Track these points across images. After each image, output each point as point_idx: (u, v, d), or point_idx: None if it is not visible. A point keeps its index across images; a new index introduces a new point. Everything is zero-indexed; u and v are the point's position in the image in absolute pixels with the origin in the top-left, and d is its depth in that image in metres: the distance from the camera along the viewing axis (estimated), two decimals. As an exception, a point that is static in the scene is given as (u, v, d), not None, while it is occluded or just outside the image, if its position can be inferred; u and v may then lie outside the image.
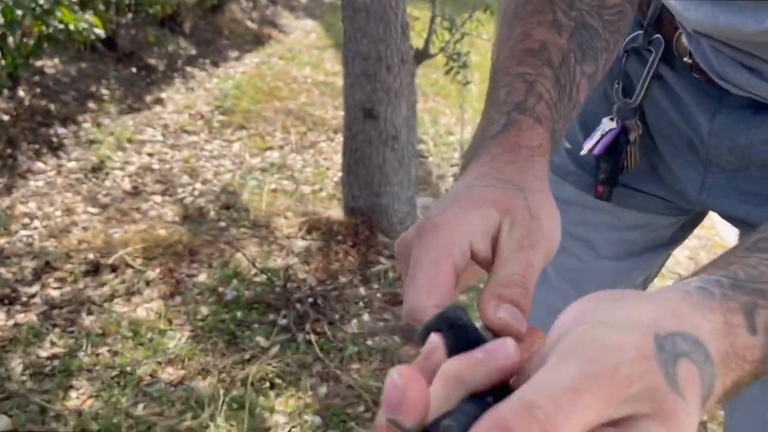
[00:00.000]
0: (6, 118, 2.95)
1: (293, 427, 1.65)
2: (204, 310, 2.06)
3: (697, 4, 0.60)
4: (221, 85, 4.18)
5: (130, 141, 3.26)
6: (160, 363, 1.83)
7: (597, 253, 0.85)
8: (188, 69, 4.38)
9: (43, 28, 2.90)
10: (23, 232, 2.41)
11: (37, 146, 2.98)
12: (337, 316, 2.07)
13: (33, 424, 1.60)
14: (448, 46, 2.82)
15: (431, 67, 4.27)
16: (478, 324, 0.37)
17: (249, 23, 5.74)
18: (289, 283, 2.19)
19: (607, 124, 0.77)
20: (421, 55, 2.62)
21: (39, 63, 3.45)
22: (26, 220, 2.50)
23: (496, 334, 0.39)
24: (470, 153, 0.51)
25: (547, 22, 0.55)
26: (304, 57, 5.00)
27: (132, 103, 3.69)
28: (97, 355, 1.85)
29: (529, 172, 0.46)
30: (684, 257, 2.72)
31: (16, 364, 1.77)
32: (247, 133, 3.54)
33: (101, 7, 3.75)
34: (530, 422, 0.27)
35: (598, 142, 0.76)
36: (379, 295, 2.23)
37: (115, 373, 1.78)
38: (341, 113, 2.64)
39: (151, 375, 1.79)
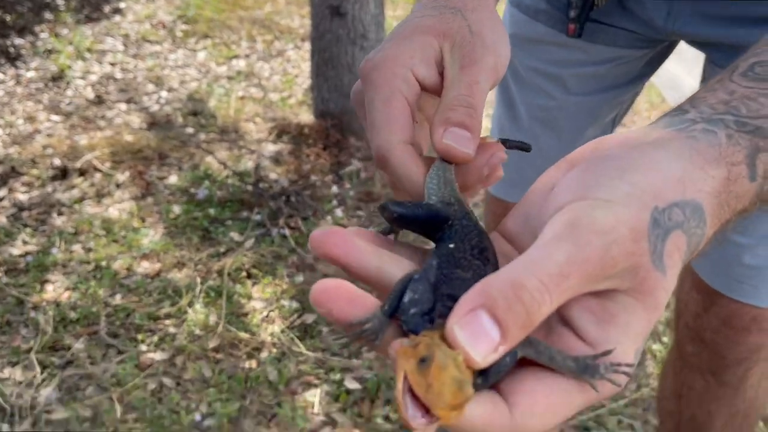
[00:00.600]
0: (-44, 25, 2.82)
1: (271, 311, 1.69)
2: (176, 209, 2.06)
3: None
4: (183, -6, 4.01)
5: (90, 51, 3.15)
6: (135, 258, 1.84)
7: (568, 90, 0.87)
8: (147, -21, 4.19)
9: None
10: (-15, 140, 2.35)
11: (-8, 55, 2.86)
12: (310, 213, 2.09)
13: (12, 315, 1.61)
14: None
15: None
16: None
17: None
18: (261, 182, 2.19)
19: None
20: (389, -50, 2.54)
21: (-13, -31, 3.27)
22: (-13, 128, 2.44)
23: (446, 160, 0.40)
24: None
25: None
26: (268, -33, 4.80)
27: (89, 13, 3.54)
28: (71, 251, 1.85)
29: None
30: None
31: (-11, 262, 1.77)
32: (212, 42, 3.44)
33: None
34: (515, 302, 0.28)
35: (567, -24, 0.77)
36: (352, 193, 2.24)
37: (90, 267, 1.79)
38: (309, 21, 2.57)
39: (127, 269, 1.80)
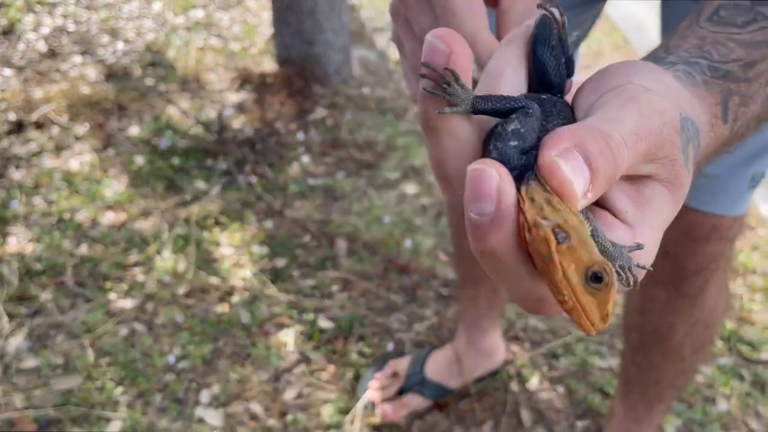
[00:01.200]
0: None
1: (241, 256, 1.68)
2: (139, 159, 2.02)
3: None
4: (134, -56, 3.85)
5: (40, 3, 3.02)
6: (99, 209, 1.80)
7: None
8: (95, -71, 4.01)
9: None
10: (-67, 95, 2.26)
11: (-66, 8, 2.73)
12: (276, 160, 2.07)
13: (-27, 269, 1.58)
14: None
15: None
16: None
17: None
18: (224, 131, 2.16)
19: None
20: None
21: None
22: (-65, 84, 2.34)
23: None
24: None
25: None
26: None
27: (36, -37, 3.38)
28: (32, 205, 1.81)
29: None
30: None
31: (-54, 217, 1.72)
32: (168, -7, 3.33)
33: None
34: (605, 148, 0.29)
35: None
36: (318, 140, 2.22)
37: (53, 220, 1.76)
38: (267, -38, 2.50)
39: (91, 220, 1.77)
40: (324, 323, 1.50)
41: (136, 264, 1.63)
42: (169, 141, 2.10)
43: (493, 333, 1.35)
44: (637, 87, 0.33)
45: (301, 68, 2.54)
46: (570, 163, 0.28)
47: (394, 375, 1.36)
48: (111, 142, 2.11)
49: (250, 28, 3.07)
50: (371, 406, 1.31)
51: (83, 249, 1.66)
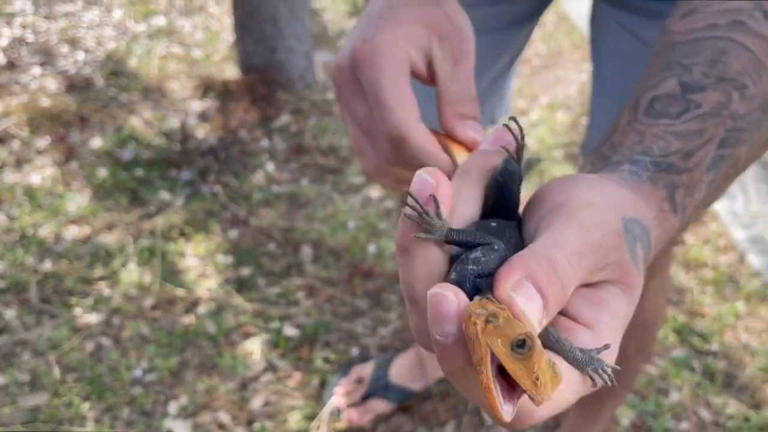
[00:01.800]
0: None
1: (206, 266, 1.70)
2: (102, 172, 2.02)
3: None
4: (93, -50, 3.82)
5: (-4, 13, 2.99)
6: (62, 223, 1.80)
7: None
8: (53, -65, 3.96)
9: None
10: None
11: None
12: (240, 168, 2.09)
13: (-65, 289, 1.57)
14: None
15: None
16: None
17: None
18: (188, 141, 2.17)
19: None
20: None
21: None
22: None
23: (467, 146, 0.46)
24: None
25: None
26: None
27: (-8, -28, 3.33)
28: (-6, 221, 1.80)
29: None
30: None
31: None
32: (128, 0, 3.31)
33: None
34: (553, 276, 0.30)
35: None
36: (282, 146, 2.24)
37: (15, 236, 1.75)
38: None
39: (55, 235, 1.77)
40: (290, 331, 1.53)
41: (101, 278, 1.64)
42: (132, 152, 2.10)
43: (453, 335, 1.39)
44: (577, 203, 0.34)
45: (264, 75, 2.56)
46: (523, 296, 0.30)
47: (359, 380, 1.39)
48: (73, 155, 2.10)
49: (213, 35, 3.07)
50: (337, 412, 1.34)
51: (47, 265, 1.66)
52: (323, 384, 1.41)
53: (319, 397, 1.38)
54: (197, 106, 2.44)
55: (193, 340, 1.49)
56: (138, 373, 1.40)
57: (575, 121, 2.45)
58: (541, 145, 2.29)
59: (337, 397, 1.36)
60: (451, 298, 0.29)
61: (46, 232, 1.77)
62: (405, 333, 1.55)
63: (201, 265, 1.70)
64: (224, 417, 1.33)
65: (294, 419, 1.34)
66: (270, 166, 2.13)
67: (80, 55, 2.76)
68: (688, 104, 0.43)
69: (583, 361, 0.32)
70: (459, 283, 0.31)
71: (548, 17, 3.35)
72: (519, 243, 0.36)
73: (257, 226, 1.85)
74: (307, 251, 1.77)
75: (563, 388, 0.31)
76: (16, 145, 2.12)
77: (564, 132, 2.38)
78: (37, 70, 2.62)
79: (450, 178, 0.36)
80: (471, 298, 0.31)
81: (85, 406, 1.32)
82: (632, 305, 0.36)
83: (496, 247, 0.33)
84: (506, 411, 0.27)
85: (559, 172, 2.12)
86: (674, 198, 0.41)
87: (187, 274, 1.67)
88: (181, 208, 1.89)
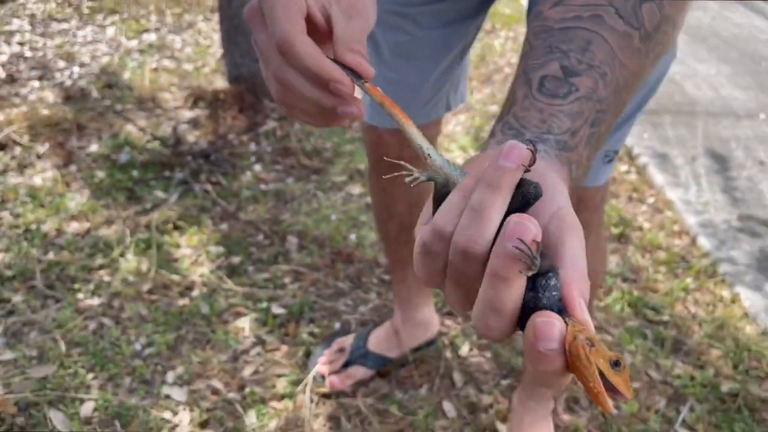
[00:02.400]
0: None
1: (199, 256, 1.83)
2: (100, 173, 2.15)
3: None
4: (86, -28, 3.99)
5: (-5, 31, 3.14)
6: (63, 219, 1.93)
7: (421, 25, 1.06)
8: (47, -42, 4.13)
9: None
10: None
11: None
12: (230, 169, 2.23)
13: (-53, 278, 1.70)
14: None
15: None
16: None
17: None
18: (180, 145, 2.31)
19: None
20: None
21: None
22: None
23: (358, 73, 0.50)
24: None
25: None
26: (172, -58, 4.79)
27: (-10, -7, 3.49)
28: (0, 218, 1.93)
29: None
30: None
31: None
32: (120, 18, 3.47)
33: None
34: (588, 289, 0.40)
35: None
36: (269, 149, 2.39)
37: (20, 231, 1.88)
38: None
39: (56, 230, 1.90)
40: (277, 310, 1.66)
41: (101, 267, 1.77)
42: (128, 156, 2.24)
43: (424, 307, 1.53)
44: (568, 215, 0.43)
45: (251, 85, 2.71)
46: (584, 310, 0.39)
47: (341, 350, 1.52)
48: (72, 159, 2.24)
49: (202, 49, 3.23)
50: (321, 378, 1.47)
51: (51, 256, 1.79)
52: (308, 355, 1.54)
53: (304, 366, 1.51)
54: (189, 114, 2.59)
55: (188, 319, 1.62)
56: (137, 347, 1.52)
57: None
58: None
59: (321, 365, 1.49)
60: (558, 325, 0.38)
61: (48, 227, 1.90)
62: (384, 310, 1.68)
63: (194, 254, 1.84)
64: (217, 384, 1.46)
65: (281, 385, 1.46)
66: (257, 167, 2.27)
67: (76, 69, 2.91)
68: (570, 87, 0.51)
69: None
70: (549, 307, 0.39)
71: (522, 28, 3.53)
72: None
73: (246, 219, 1.99)
74: (292, 241, 1.91)
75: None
76: (17, 150, 2.26)
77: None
78: (35, 83, 2.77)
79: (350, 89, 0.47)
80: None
81: (90, 376, 1.45)
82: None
83: (559, 271, 0.40)
84: (611, 404, 0.38)
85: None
86: (572, 175, 0.50)
87: (182, 262, 1.80)
88: (175, 204, 2.02)
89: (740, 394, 1.49)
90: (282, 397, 1.44)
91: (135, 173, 2.16)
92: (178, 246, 1.87)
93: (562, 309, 0.39)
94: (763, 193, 2.23)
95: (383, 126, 1.19)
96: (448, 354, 1.57)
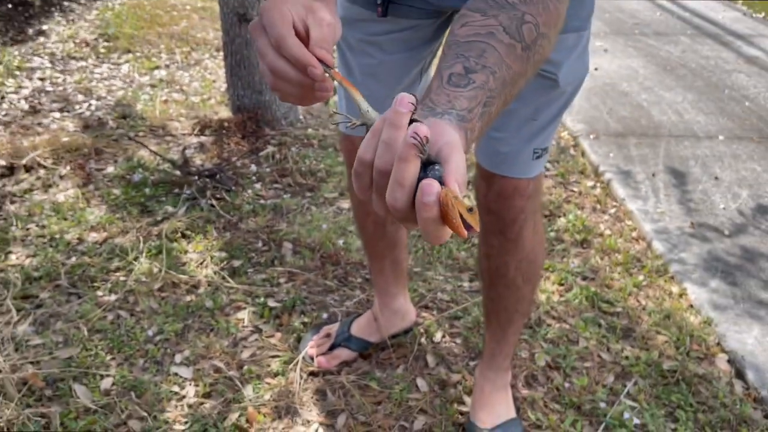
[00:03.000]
0: None
1: (204, 260, 2.06)
2: (116, 191, 2.40)
3: None
4: (102, 15, 4.31)
5: (19, 69, 3.43)
6: (84, 230, 2.17)
7: (384, 51, 1.30)
8: (65, 3, 4.47)
9: None
10: (-67, 148, 2.61)
11: (-73, 76, 3.10)
12: (233, 186, 2.47)
13: (-18, 279, 1.92)
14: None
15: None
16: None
17: (121, -41, 5.76)
18: (188, 166, 2.56)
19: None
20: (285, -35, 2.96)
21: None
22: (-67, 139, 2.69)
23: (323, 62, 0.72)
24: None
25: None
26: (181, -13, 5.15)
27: (14, 35, 3.80)
28: (27, 229, 2.16)
29: None
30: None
31: (-45, 241, 2.06)
32: (134, 56, 3.77)
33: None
34: (463, 179, 0.57)
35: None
36: (268, 170, 2.64)
37: (46, 240, 2.11)
38: (222, 33, 2.94)
39: (78, 238, 2.13)
40: (273, 304, 1.88)
41: (118, 269, 1.99)
42: (141, 176, 2.49)
43: (401, 297, 1.74)
44: (455, 141, 0.60)
45: (253, 114, 2.97)
46: (456, 186, 0.55)
47: (327, 335, 1.73)
48: (91, 180, 2.48)
49: (208, 84, 3.51)
50: (310, 359, 1.68)
51: (73, 260, 2.02)
52: (299, 340, 1.75)
53: (295, 349, 1.73)
54: (196, 140, 2.84)
55: (194, 311, 1.84)
56: (150, 333, 1.74)
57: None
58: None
59: (310, 348, 1.70)
60: (436, 185, 0.54)
61: (70, 236, 2.13)
62: (368, 304, 1.90)
63: (200, 258, 2.07)
64: (219, 363, 1.67)
65: (275, 365, 1.67)
66: (257, 185, 2.51)
67: (93, 102, 3.19)
68: (469, 80, 0.73)
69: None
70: (434, 179, 0.53)
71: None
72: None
73: (246, 229, 2.22)
74: (287, 246, 2.13)
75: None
76: (42, 172, 2.51)
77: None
78: (56, 114, 3.04)
79: (320, 74, 0.71)
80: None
81: (108, 357, 1.66)
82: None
83: (443, 167, 0.55)
84: (466, 233, 0.54)
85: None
86: (467, 136, 0.69)
87: (189, 265, 2.03)
88: (183, 216, 2.26)
89: (679, 370, 1.69)
90: (276, 375, 1.65)
91: (147, 191, 2.40)
92: (185, 252, 2.10)
93: (441, 184, 0.53)
94: (716, 204, 2.45)
95: (357, 134, 1.43)
96: (422, 340, 1.78)
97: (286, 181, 2.58)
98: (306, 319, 1.83)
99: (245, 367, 1.66)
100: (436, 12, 1.25)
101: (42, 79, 3.39)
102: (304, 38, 0.72)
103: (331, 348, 1.71)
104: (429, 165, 0.54)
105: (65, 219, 2.23)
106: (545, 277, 2.05)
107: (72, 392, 1.55)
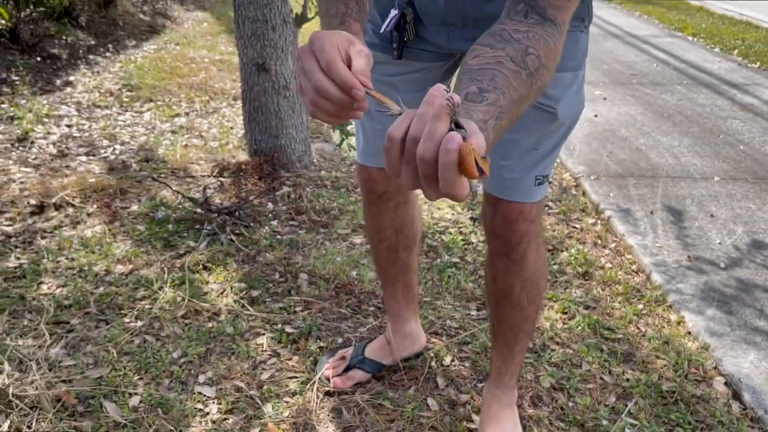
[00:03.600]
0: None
1: (224, 290, 2.18)
2: (141, 227, 2.53)
3: None
4: (125, 67, 4.55)
5: (48, 116, 3.62)
6: (111, 262, 2.30)
7: (399, 91, 1.45)
8: (90, 57, 4.72)
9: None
10: (-32, 188, 2.77)
11: (-38, 123, 3.29)
12: (251, 223, 2.60)
13: (17, 306, 2.04)
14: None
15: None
16: None
17: (142, 16, 6.07)
18: (209, 204, 2.70)
19: (393, 12, 1.36)
20: (301, 20, 3.17)
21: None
22: (-32, 180, 2.85)
23: (364, 86, 0.88)
24: (325, 26, 1.03)
25: None
26: (200, 42, 5.42)
27: (43, 86, 4.02)
28: (58, 261, 2.29)
29: (354, 34, 0.99)
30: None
31: (-9, 272, 2.19)
32: (155, 105, 3.97)
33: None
34: (481, 141, 0.68)
35: (389, 23, 1.36)
36: (284, 208, 2.77)
37: (75, 271, 2.24)
38: (239, 84, 3.13)
39: (105, 270, 2.25)
40: (290, 330, 1.98)
41: (143, 298, 2.11)
42: (164, 213, 2.63)
43: (412, 322, 1.85)
44: (474, 125, 0.70)
45: (269, 157, 3.13)
46: (475, 142, 0.66)
47: (342, 358, 1.83)
48: (116, 217, 2.62)
49: (226, 130, 3.69)
50: (326, 380, 1.78)
51: (101, 289, 2.14)
52: (315, 362, 1.85)
53: (312, 371, 1.82)
54: (215, 181, 3.00)
55: (216, 336, 1.94)
56: (174, 356, 1.84)
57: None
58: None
59: (326, 369, 1.79)
60: (458, 137, 0.63)
61: (98, 268, 2.26)
62: (380, 330, 2.00)
63: (220, 288, 2.18)
64: (240, 383, 1.76)
65: (293, 385, 1.77)
66: (274, 223, 2.65)
67: (118, 147, 3.36)
68: (483, 98, 0.86)
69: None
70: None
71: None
72: None
73: (264, 262, 2.34)
74: (303, 277, 2.25)
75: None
76: (70, 210, 2.65)
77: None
78: (83, 158, 3.21)
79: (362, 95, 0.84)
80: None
81: (136, 377, 1.76)
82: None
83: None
84: (478, 175, 0.58)
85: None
86: (489, 134, 0.82)
87: (210, 295, 2.14)
88: (205, 250, 2.38)
89: (678, 391, 1.77)
90: (294, 394, 1.74)
91: (170, 227, 2.54)
92: (207, 282, 2.21)
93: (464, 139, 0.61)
94: (712, 239, 2.56)
95: (373, 165, 1.56)
96: (433, 363, 1.88)
97: (301, 219, 2.71)
98: (322, 344, 1.93)
99: (265, 387, 1.75)
100: (446, 55, 1.39)
101: (69, 126, 3.58)
102: (347, 65, 0.85)
103: (346, 369, 1.80)
104: (456, 129, 0.62)
105: (93, 252, 2.36)
106: (549, 306, 2.15)
107: (103, 408, 1.64)
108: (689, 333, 2.03)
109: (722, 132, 3.79)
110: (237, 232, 2.53)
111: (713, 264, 2.40)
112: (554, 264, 2.40)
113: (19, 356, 1.80)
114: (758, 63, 5.52)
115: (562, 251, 2.50)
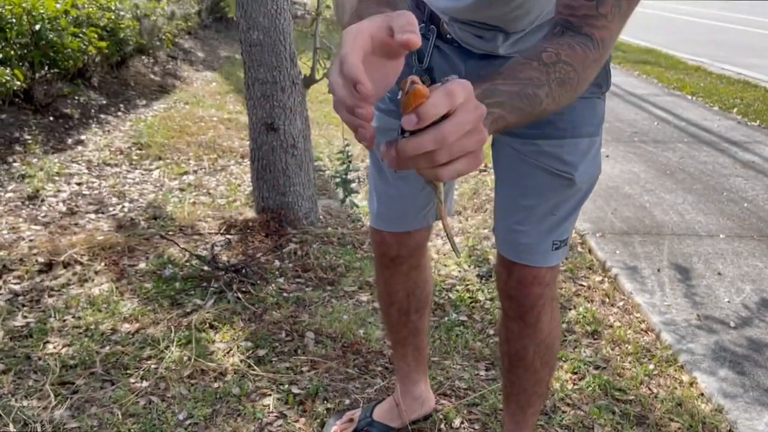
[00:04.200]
0: (-56, 158, 3.29)
1: (231, 349, 2.16)
2: (147, 285, 2.54)
3: None
4: (135, 126, 4.64)
5: (58, 174, 3.67)
6: (117, 321, 2.29)
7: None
8: (102, 116, 4.82)
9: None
10: (-22, 245, 2.79)
11: (-25, 181, 3.33)
12: (258, 281, 2.61)
13: (22, 366, 2.02)
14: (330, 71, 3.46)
15: (319, 97, 4.91)
16: None
17: (152, 76, 6.23)
18: (216, 262, 2.71)
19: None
20: (309, 81, 3.25)
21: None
22: (-22, 237, 2.87)
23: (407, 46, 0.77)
24: (355, 14, 0.92)
25: None
26: (208, 101, 5.54)
27: (55, 144, 4.09)
28: (64, 320, 2.29)
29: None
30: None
31: (-3, 331, 2.18)
32: (164, 163, 4.03)
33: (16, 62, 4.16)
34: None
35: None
36: (291, 265, 2.78)
37: (81, 330, 2.23)
38: (247, 143, 3.18)
39: (112, 329, 2.24)
40: (296, 390, 1.96)
41: (149, 357, 2.09)
42: (171, 271, 2.63)
43: (421, 384, 1.82)
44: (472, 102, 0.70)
45: (276, 214, 3.16)
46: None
47: (350, 420, 1.80)
48: (124, 275, 2.63)
49: (233, 187, 3.73)
50: (333, 443, 1.74)
51: (107, 349, 2.12)
52: (323, 425, 1.82)
53: (319, 433, 1.79)
54: (222, 238, 3.01)
55: (222, 397, 1.92)
56: (180, 417, 1.81)
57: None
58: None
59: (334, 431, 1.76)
60: (414, 77, 0.68)
61: (105, 327, 2.25)
62: (387, 392, 1.97)
63: (227, 347, 2.16)
64: (246, 447, 1.73)
65: (300, 448, 1.74)
66: (281, 280, 2.65)
67: (127, 204, 3.39)
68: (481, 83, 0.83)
69: None
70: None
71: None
72: None
73: (271, 320, 2.33)
74: (310, 336, 2.23)
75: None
76: (78, 268, 2.66)
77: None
78: (92, 216, 3.24)
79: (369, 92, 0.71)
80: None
81: (141, 440, 1.73)
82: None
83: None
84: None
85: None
86: (488, 119, 0.76)
87: (216, 354, 2.12)
88: (211, 308, 2.38)
89: (693, 455, 1.73)
90: (301, 458, 1.71)
91: (177, 285, 2.54)
92: (213, 341, 2.20)
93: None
94: (720, 298, 2.55)
95: (386, 229, 1.57)
96: (442, 426, 1.84)
97: (307, 276, 2.71)
98: (329, 405, 1.90)
99: (271, 450, 1.72)
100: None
101: (79, 184, 3.62)
102: (389, 42, 0.74)
103: (354, 432, 1.77)
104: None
105: (100, 311, 2.35)
106: (559, 365, 2.13)
107: (106, 473, 1.61)
108: (702, 394, 2.00)
109: (725, 189, 3.82)
110: (244, 289, 2.53)
111: (723, 323, 2.38)
112: (563, 323, 2.38)
113: (24, 417, 1.78)
114: (758, 121, 5.60)
115: (570, 309, 2.49)
